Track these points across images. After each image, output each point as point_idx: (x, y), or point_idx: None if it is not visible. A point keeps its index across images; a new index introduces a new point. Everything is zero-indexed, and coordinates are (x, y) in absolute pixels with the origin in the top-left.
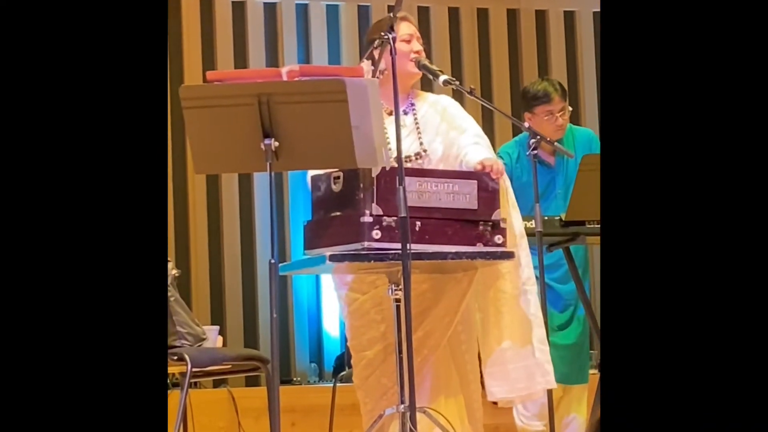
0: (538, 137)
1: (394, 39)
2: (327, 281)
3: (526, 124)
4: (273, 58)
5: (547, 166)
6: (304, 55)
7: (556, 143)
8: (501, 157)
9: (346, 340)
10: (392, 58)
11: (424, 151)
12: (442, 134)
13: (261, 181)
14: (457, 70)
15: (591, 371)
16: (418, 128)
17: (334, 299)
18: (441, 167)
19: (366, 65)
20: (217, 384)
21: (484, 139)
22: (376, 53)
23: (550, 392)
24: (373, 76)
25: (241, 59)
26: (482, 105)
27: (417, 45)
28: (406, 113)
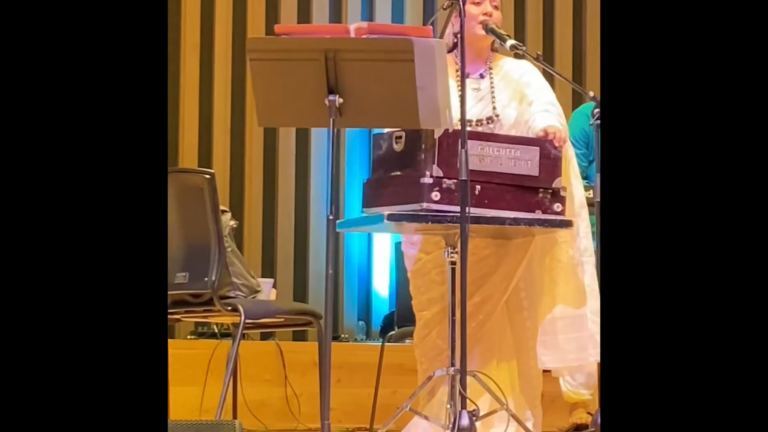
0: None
1: (464, 1)
2: (378, 240)
3: (591, 93)
4: (336, 14)
5: None
6: (368, 13)
7: None
8: (576, 120)
9: (395, 300)
10: (461, 21)
11: (497, 116)
12: (517, 100)
13: (318, 137)
14: (520, 34)
15: None
16: (492, 93)
17: (386, 259)
18: (513, 133)
19: (449, 27)
20: (264, 337)
21: (556, 108)
22: (442, 14)
23: (600, 364)
24: (440, 37)
25: (304, 14)
26: (543, 71)
27: (488, 7)
28: (482, 77)
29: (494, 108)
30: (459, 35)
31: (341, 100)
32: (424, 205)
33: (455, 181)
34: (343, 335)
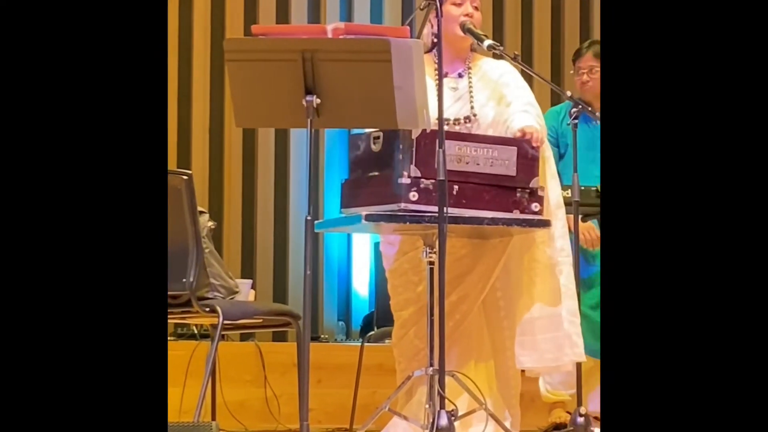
0: (580, 107)
1: (441, 1)
2: (358, 241)
3: (569, 93)
4: (315, 15)
5: (593, 121)
6: (347, 13)
7: (590, 109)
8: (547, 117)
9: (375, 300)
10: (438, 21)
11: (474, 115)
12: (495, 100)
13: (297, 138)
14: (498, 35)
15: None
16: (471, 92)
17: (365, 259)
18: (490, 132)
19: (427, 27)
20: (244, 338)
21: (535, 108)
22: (419, 15)
23: (579, 364)
24: (418, 37)
25: (283, 15)
26: (522, 71)
27: (468, 8)
28: (461, 76)
29: (472, 107)
30: (437, 35)
31: (319, 101)
32: (402, 205)
33: (433, 181)
34: (322, 336)
